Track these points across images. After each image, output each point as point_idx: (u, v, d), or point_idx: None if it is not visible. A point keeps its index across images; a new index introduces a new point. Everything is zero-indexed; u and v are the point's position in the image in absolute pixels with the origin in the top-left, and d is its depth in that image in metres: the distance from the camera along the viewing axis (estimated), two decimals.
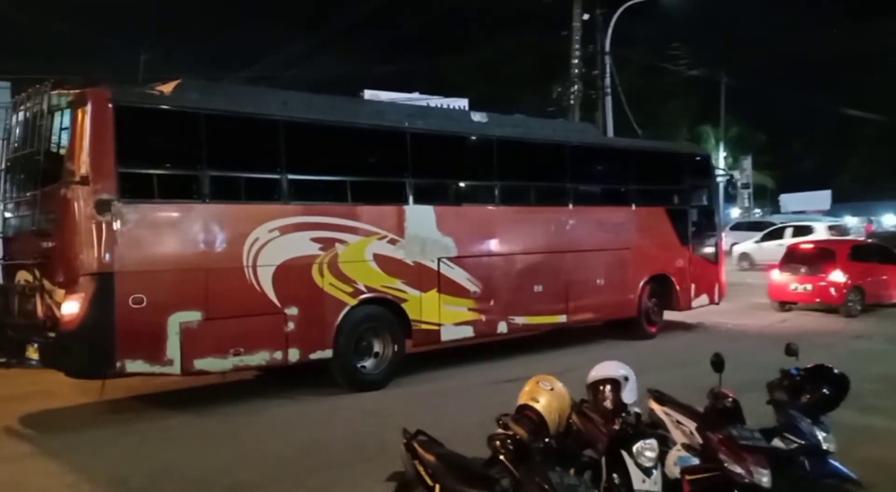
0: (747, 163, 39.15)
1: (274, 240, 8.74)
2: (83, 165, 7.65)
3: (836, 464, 4.59)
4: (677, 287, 13.28)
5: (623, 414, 4.46)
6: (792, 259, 16.42)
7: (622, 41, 24.73)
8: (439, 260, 10.23)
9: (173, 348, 7.97)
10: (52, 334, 7.76)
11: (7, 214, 9.11)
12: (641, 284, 12.80)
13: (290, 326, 8.79)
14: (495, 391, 8.68)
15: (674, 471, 4.50)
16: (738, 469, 4.25)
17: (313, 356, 9.05)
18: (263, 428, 7.92)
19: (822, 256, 15.92)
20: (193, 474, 6.47)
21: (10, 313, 8.54)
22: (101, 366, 7.76)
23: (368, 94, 20.24)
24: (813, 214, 35.21)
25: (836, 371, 4.84)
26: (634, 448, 4.19)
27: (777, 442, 4.58)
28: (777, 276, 16.22)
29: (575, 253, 11.83)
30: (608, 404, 4.57)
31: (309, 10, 53.22)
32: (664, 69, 34.02)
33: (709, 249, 14.09)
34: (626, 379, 4.62)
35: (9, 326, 8.51)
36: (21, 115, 8.67)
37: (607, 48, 22.87)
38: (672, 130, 37.34)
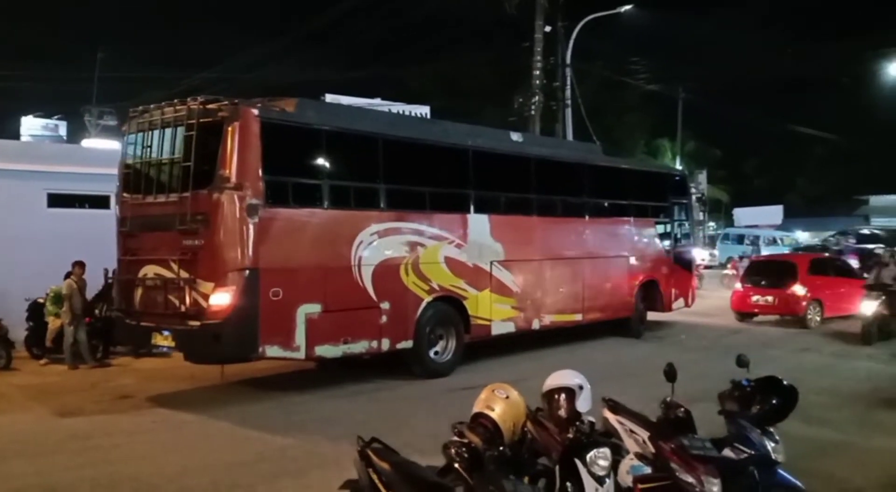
0: (703, 177, 39.87)
1: (374, 242, 9.93)
2: (235, 173, 8.61)
3: (785, 474, 4.65)
4: (662, 291, 14.89)
5: (577, 423, 4.47)
6: (754, 272, 16.98)
7: (583, 54, 25.04)
8: (491, 263, 11.53)
9: (300, 336, 9.01)
10: (195, 323, 8.63)
11: (129, 214, 9.76)
12: (637, 287, 14.33)
13: (384, 318, 9.93)
14: (452, 399, 8.68)
15: (626, 480, 4.53)
16: (689, 478, 4.29)
17: (399, 346, 10.16)
18: (220, 433, 7.79)
19: (783, 270, 16.48)
20: (146, 480, 6.35)
21: (132, 305, 9.50)
22: (248, 351, 8.78)
23: (329, 98, 20.12)
24: (765, 228, 35.98)
25: (785, 383, 4.92)
26: (588, 457, 4.20)
27: (727, 452, 4.63)
28: (740, 288, 16.77)
29: (590, 259, 13.33)
30: (562, 412, 4.58)
31: (273, 14, 52.81)
32: (624, 83, 34.49)
33: (686, 259, 15.91)
34: (581, 388, 4.64)
35: (132, 317, 9.50)
36: (151, 126, 9.46)
37: (568, 60, 23.10)
38: (630, 143, 37.92)
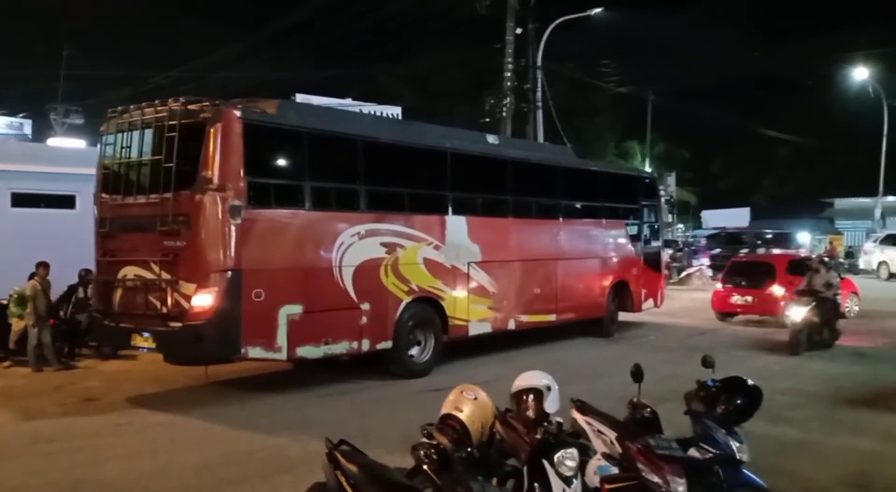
0: (671, 179, 40.30)
1: (354, 244, 9.97)
2: (218, 174, 8.60)
3: (749, 473, 4.72)
4: (633, 292, 15.21)
5: (545, 423, 4.49)
6: (734, 272, 17.24)
7: (554, 56, 25.18)
8: (469, 264, 11.66)
9: (282, 337, 9.05)
10: (177, 324, 8.63)
11: (107, 214, 9.61)
12: (609, 288, 14.65)
13: (364, 319, 10.03)
14: (422, 400, 8.68)
15: (594, 480, 4.57)
16: (655, 478, 4.34)
17: (378, 347, 10.27)
18: (187, 436, 7.71)
19: (762, 271, 16.77)
20: (110, 484, 6.26)
21: (111, 306, 9.48)
22: (230, 352, 8.82)
23: (300, 98, 20.03)
24: (732, 230, 36.44)
25: (749, 383, 4.99)
26: (555, 457, 4.23)
27: (693, 452, 4.68)
28: (720, 288, 17.07)
29: (563, 260, 13.52)
30: (531, 413, 4.60)
31: (243, 13, 52.36)
32: (594, 85, 34.78)
33: (655, 260, 16.21)
34: (549, 389, 4.66)
35: (110, 318, 9.49)
36: (131, 126, 9.39)
37: (539, 62, 23.23)
38: (600, 145, 38.20)
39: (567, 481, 4.23)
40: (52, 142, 24.91)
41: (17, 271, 11.76)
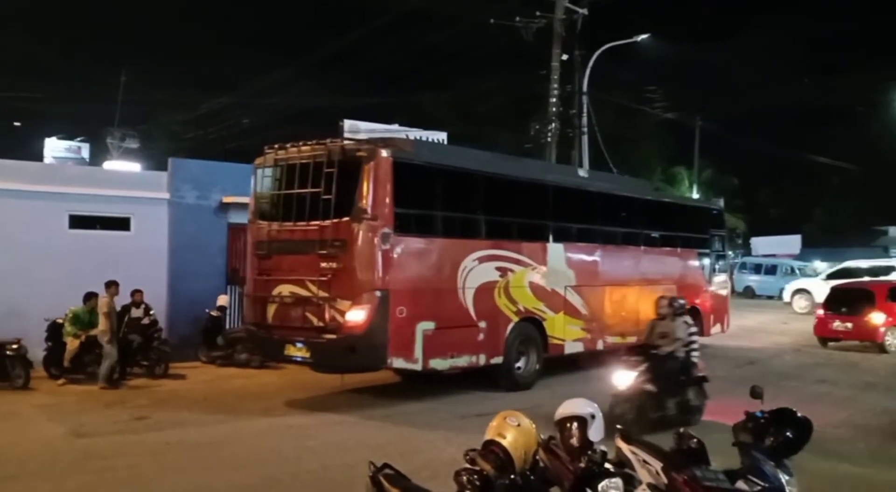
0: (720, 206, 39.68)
1: (475, 268, 11.02)
2: (371, 205, 9.75)
3: None
4: (703, 317, 15.69)
5: (589, 452, 4.47)
6: (835, 299, 17.61)
7: (600, 82, 25.16)
8: (565, 288, 12.62)
9: (419, 350, 10.10)
10: (331, 336, 9.73)
11: (264, 238, 10.77)
12: None
13: (481, 336, 11.01)
14: (466, 425, 8.68)
15: None
16: None
17: (492, 361, 11.19)
18: (233, 456, 7.83)
19: (862, 297, 17.01)
20: None
21: (265, 319, 10.60)
22: (379, 361, 9.95)
23: (348, 124, 20.34)
24: (783, 257, 35.70)
25: (799, 415, 4.90)
26: (600, 487, 4.20)
27: (741, 484, 4.61)
28: (821, 314, 17.58)
29: (644, 285, 14.22)
30: (574, 441, 4.59)
31: (291, 40, 53.57)
32: (640, 111, 34.57)
33: (723, 287, 17.08)
34: (593, 417, 4.65)
35: (264, 330, 10.64)
36: (288, 161, 10.61)
37: (585, 88, 23.24)
38: (647, 172, 37.87)
39: None
40: (108, 165, 25.75)
41: (73, 291, 12.14)
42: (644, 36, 24.07)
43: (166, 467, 7.49)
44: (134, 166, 24.74)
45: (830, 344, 17.31)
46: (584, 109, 23.19)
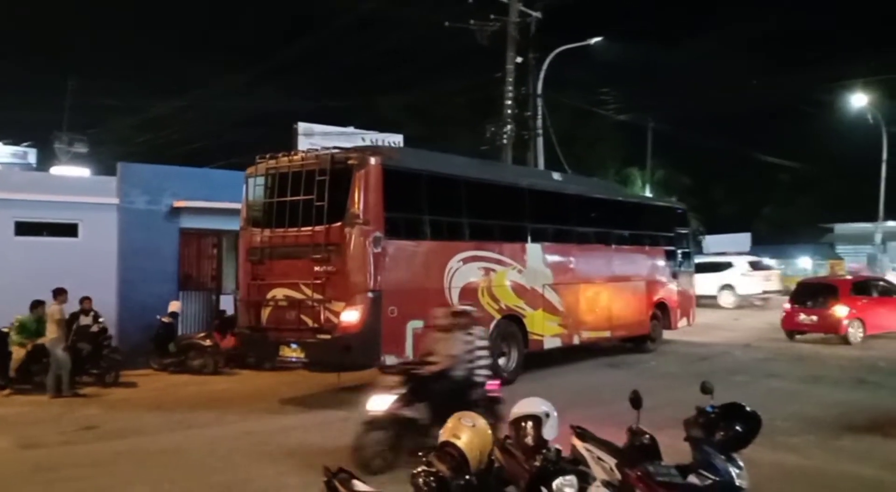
0: None
1: (460, 268, 11.52)
2: (363, 210, 10.19)
3: None
4: (671, 311, 16.70)
5: (544, 450, 4.51)
6: (801, 293, 18.45)
7: (555, 84, 25.36)
8: (543, 286, 13.16)
9: (409, 347, 10.45)
10: (326, 336, 10.09)
11: (257, 245, 11.09)
12: (652, 307, 16.14)
13: None
14: None
15: None
16: None
17: None
18: (185, 464, 7.69)
19: (826, 291, 17.92)
20: None
21: (259, 322, 10.94)
22: (372, 359, 10.30)
23: (302, 127, 20.19)
24: (734, 255, 36.46)
25: (748, 409, 4.99)
26: (554, 485, 4.24)
27: (692, 478, 4.67)
28: (788, 308, 18.24)
29: (616, 283, 15.04)
30: (529, 440, 4.62)
31: (247, 43, 52.94)
32: (594, 112, 34.97)
33: (688, 283, 17.81)
34: (548, 416, 4.68)
35: (259, 332, 10.97)
36: (279, 170, 11.03)
37: (539, 91, 23.40)
38: (601, 172, 38.34)
39: None
40: (56, 170, 25.12)
41: (19, 300, 11.83)
42: (597, 39, 24.31)
43: (117, 477, 7.33)
44: (83, 171, 24.20)
45: (797, 337, 18.01)
46: (539, 111, 23.34)
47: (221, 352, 13.58)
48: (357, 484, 4.58)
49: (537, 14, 21.79)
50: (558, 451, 4.65)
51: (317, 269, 10.28)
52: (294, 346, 10.50)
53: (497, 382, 7.94)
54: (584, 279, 14.23)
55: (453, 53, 26.25)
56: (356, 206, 10.21)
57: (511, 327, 12.41)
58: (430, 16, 23.54)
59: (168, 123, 33.52)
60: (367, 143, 20.70)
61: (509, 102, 21.78)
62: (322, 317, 10.23)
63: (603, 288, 14.69)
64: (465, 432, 4.38)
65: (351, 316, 10.07)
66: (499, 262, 12.32)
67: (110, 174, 15.59)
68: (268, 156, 11.29)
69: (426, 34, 28.37)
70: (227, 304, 14.97)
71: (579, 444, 5.09)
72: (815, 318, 17.60)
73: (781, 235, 42.38)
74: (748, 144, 41.77)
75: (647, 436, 4.82)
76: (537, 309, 13.01)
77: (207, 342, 13.52)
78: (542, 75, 23.37)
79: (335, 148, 10.96)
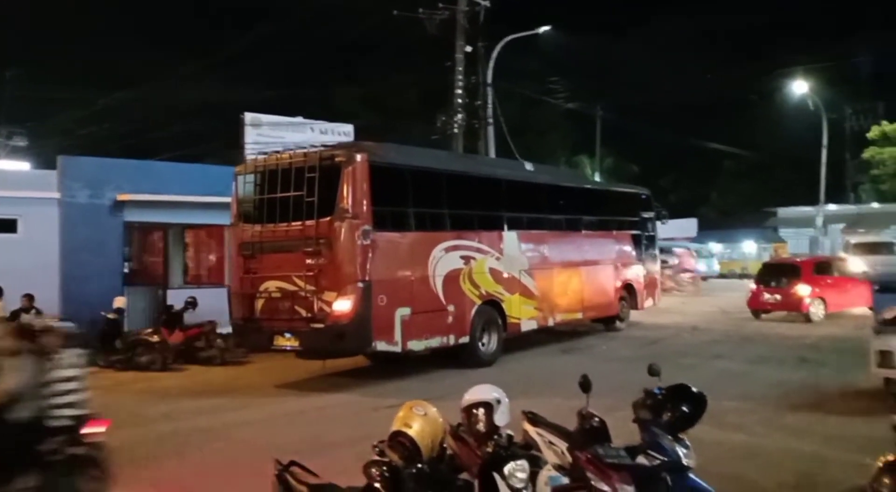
0: None
1: (443, 257, 12.05)
2: (352, 205, 10.67)
3: (696, 479, 4.78)
4: (637, 293, 17.50)
5: (496, 436, 4.53)
6: (765, 273, 19.34)
7: (505, 74, 25.43)
8: (519, 271, 13.80)
9: (398, 333, 11.09)
10: (320, 325, 10.58)
11: (248, 239, 11.53)
12: (620, 289, 16.93)
13: (450, 319, 12.06)
14: (376, 418, 8.60)
15: (545, 491, 4.60)
16: (605, 487, 4.38)
17: (460, 341, 12.24)
18: (132, 462, 7.54)
19: (789, 271, 18.72)
20: None
21: (253, 313, 11.38)
22: (364, 345, 10.96)
23: (249, 117, 19.88)
24: (681, 240, 37.19)
25: (694, 390, 5.07)
26: (506, 470, 4.26)
27: (641, 459, 4.73)
28: (754, 288, 19.00)
29: (586, 266, 15.79)
30: (481, 427, 4.64)
31: (192, 34, 51.88)
32: (544, 102, 35.22)
33: (653, 265, 18.63)
34: (499, 402, 4.70)
35: (253, 323, 11.42)
36: (267, 167, 11.44)
37: (489, 80, 23.44)
38: (551, 160, 38.66)
39: None
40: None
41: None
42: (545, 28, 24.46)
43: None
44: (22, 165, 23.44)
45: (763, 316, 18.77)
46: (490, 101, 23.40)
47: (170, 348, 13.36)
48: (309, 476, 4.56)
49: (486, 3, 21.78)
50: (510, 436, 4.68)
51: (308, 261, 10.73)
52: (288, 335, 10.94)
53: (104, 421, 5.52)
54: (557, 264, 14.87)
55: (403, 43, 26.18)
56: (345, 200, 10.66)
57: (491, 312, 12.94)
58: (380, 4, 23.36)
59: (112, 114, 32.75)
60: (317, 133, 20.54)
61: (459, 92, 21.80)
62: (315, 307, 10.68)
63: (575, 272, 15.38)
64: (417, 421, 4.38)
65: (343, 305, 10.54)
66: (478, 250, 12.86)
67: (51, 168, 15.14)
68: (257, 153, 11.91)
69: (376, 24, 28.16)
70: (174, 298, 14.69)
71: (531, 429, 5.12)
72: (778, 297, 18.37)
73: (727, 220, 43.37)
74: (694, 133, 42.62)
75: (597, 419, 4.86)
76: (514, 294, 13.57)
77: (155, 338, 13.27)
78: (491, 64, 23.41)
79: (322, 146, 11.40)
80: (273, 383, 11.66)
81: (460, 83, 21.79)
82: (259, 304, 11.33)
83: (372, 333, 10.76)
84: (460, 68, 21.73)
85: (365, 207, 10.75)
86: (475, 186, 13.36)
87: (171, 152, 24.67)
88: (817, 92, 36.11)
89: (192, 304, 14.13)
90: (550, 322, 14.68)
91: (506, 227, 13.66)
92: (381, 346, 10.95)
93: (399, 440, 4.34)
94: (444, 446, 4.61)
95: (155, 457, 7.75)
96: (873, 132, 39.51)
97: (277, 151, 11.58)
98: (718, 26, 55.62)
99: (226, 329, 14.13)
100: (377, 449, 4.44)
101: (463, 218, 12.72)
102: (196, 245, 17.18)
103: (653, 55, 48.38)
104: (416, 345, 11.50)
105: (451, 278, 12.15)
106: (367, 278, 10.68)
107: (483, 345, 12.72)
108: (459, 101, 21.86)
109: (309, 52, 41.28)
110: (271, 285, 11.17)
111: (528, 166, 16.38)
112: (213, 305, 14.47)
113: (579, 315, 15.69)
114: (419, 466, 4.21)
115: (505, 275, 13.41)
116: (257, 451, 7.54)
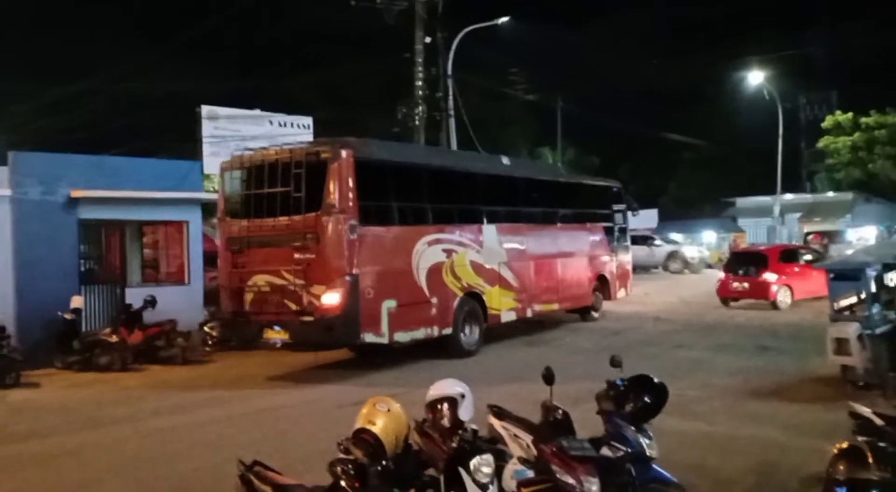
0: None
1: (426, 251, 12.32)
2: (338, 200, 10.88)
3: (659, 469, 4.84)
4: (609, 283, 17.84)
5: (460, 431, 4.52)
6: (734, 262, 19.91)
7: (466, 65, 25.39)
8: (499, 264, 14.06)
9: (385, 325, 11.35)
10: (309, 318, 10.84)
11: (235, 234, 11.73)
12: (594, 280, 17.26)
13: (434, 311, 12.34)
14: (341, 415, 8.54)
15: (510, 484, 4.60)
16: (569, 479, 4.41)
17: (443, 333, 12.52)
18: (92, 465, 7.38)
19: (757, 260, 19.22)
20: None
21: (242, 307, 11.57)
22: (353, 337, 11.19)
23: (206, 110, 19.59)
24: (643, 231, 37.63)
25: (656, 381, 5.13)
26: (471, 464, 4.26)
27: (605, 450, 4.77)
28: (722, 276, 19.54)
29: (562, 259, 16.08)
30: (446, 421, 4.63)
31: (146, 24, 50.81)
32: (506, 94, 35.29)
33: (625, 256, 19.02)
34: (463, 396, 4.70)
35: (243, 317, 11.61)
36: (253, 164, 11.69)
37: (449, 71, 23.37)
38: (513, 152, 38.77)
39: (483, 487, 4.27)
40: None
41: None
42: (504, 19, 24.45)
43: (21, 481, 6.98)
44: None
45: (732, 304, 19.17)
46: (450, 92, 23.33)
47: (129, 348, 13.09)
48: (273, 476, 4.50)
49: None
50: (475, 431, 4.67)
51: (297, 255, 10.96)
52: (277, 328, 11.18)
53: None
54: (534, 256, 15.14)
55: (363, 33, 25.96)
56: (332, 196, 10.86)
57: (472, 303, 13.23)
58: None
59: (64, 107, 31.94)
60: (275, 125, 20.35)
61: (420, 84, 21.65)
62: (304, 300, 10.91)
63: (551, 264, 15.72)
64: (380, 417, 4.35)
65: (332, 298, 10.78)
66: (459, 243, 13.13)
67: (1, 164, 14.69)
68: (244, 149, 12.20)
69: (334, 14, 27.93)
70: (133, 297, 14.41)
71: (496, 422, 5.12)
72: (746, 285, 18.89)
73: (687, 211, 43.89)
74: (653, 123, 43.07)
75: (561, 411, 4.89)
76: (494, 286, 13.86)
77: (114, 338, 12.99)
78: (451, 56, 23.30)
79: (309, 142, 11.53)
80: (235, 382, 11.52)
81: (420, 75, 21.65)
82: (248, 297, 11.52)
83: (360, 326, 11.00)
84: (420, 60, 21.58)
85: (351, 202, 10.97)
86: (456, 181, 13.64)
87: (124, 146, 24.15)
88: (772, 82, 36.75)
89: (151, 302, 13.85)
90: (529, 313, 14.98)
91: (485, 220, 13.91)
92: (368, 338, 11.19)
93: (363, 437, 4.31)
94: (410, 441, 4.59)
95: (115, 459, 7.60)
96: (827, 122, 40.36)
97: (265, 148, 11.93)
98: (676, 17, 56.30)
99: (187, 328, 13.94)
100: (342, 447, 4.40)
101: (444, 212, 12.98)
102: (154, 242, 16.86)
103: (612, 46, 48.80)
104: (402, 336, 11.75)
105: (435, 271, 12.39)
106: (354, 272, 10.90)
107: (465, 336, 13.00)
108: (420, 92, 21.73)
109: (265, 42, 40.65)
110: (260, 279, 11.39)
111: (505, 160, 16.73)
112: (172, 304, 14.22)
113: (556, 306, 16.03)
114: (384, 462, 4.18)
115: (485, 267, 13.68)
116: (220, 451, 7.46)
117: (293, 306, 11.03)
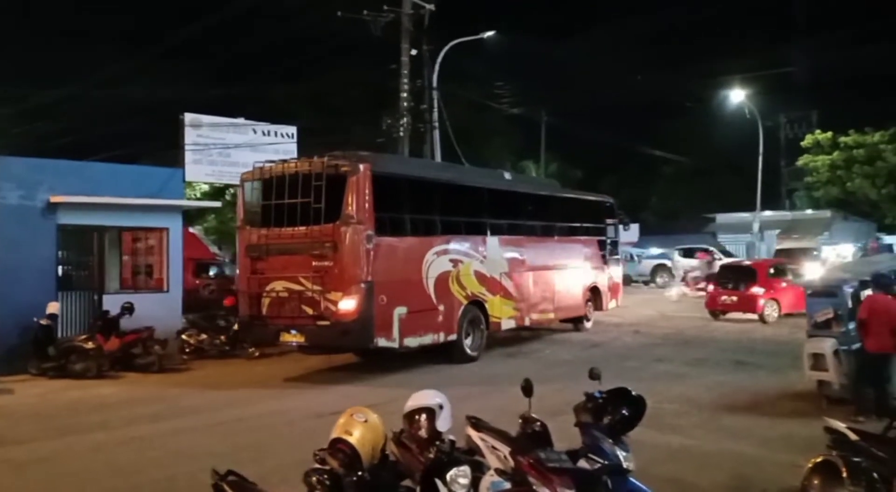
0: None
1: (435, 260, 12.92)
2: (356, 211, 11.47)
3: (636, 482, 4.83)
4: (602, 294, 18.39)
5: (438, 442, 4.50)
6: (723, 276, 20.15)
7: (451, 77, 25.46)
8: (501, 274, 14.66)
9: (396, 331, 11.93)
10: (325, 322, 11.42)
11: (255, 242, 12.27)
12: (587, 291, 17.78)
13: (441, 318, 12.92)
14: (317, 425, 8.49)
15: None
16: (546, 491, 4.40)
17: (448, 339, 13.08)
18: (70, 473, 7.27)
19: (746, 274, 19.43)
20: None
21: (260, 311, 12.15)
22: (367, 342, 11.73)
23: (189, 118, 19.48)
24: (624, 245, 37.79)
25: (634, 393, 5.13)
26: (448, 476, 4.24)
27: (582, 463, 4.76)
28: (711, 289, 19.92)
29: (558, 270, 16.66)
30: (423, 432, 4.62)
31: (130, 30, 50.62)
32: (490, 106, 35.37)
33: (616, 268, 19.60)
34: (441, 407, 4.69)
35: (261, 320, 12.21)
36: (273, 175, 12.23)
37: (434, 83, 23.45)
38: (497, 164, 38.86)
39: None
40: None
41: None
42: (490, 33, 24.58)
43: None
44: None
45: (721, 317, 19.45)
46: (435, 104, 23.40)
47: (105, 355, 12.94)
48: (248, 486, 4.46)
49: (430, 6, 21.74)
50: (452, 442, 4.66)
51: (315, 263, 11.49)
52: (294, 331, 11.75)
53: None
54: (533, 267, 15.71)
55: (353, 44, 25.96)
56: (350, 207, 11.45)
57: (475, 311, 13.80)
58: (325, 5, 23.12)
59: (44, 113, 31.71)
60: (259, 134, 20.31)
61: (405, 95, 21.71)
62: (321, 305, 11.44)
63: (549, 275, 16.26)
64: (357, 428, 4.32)
65: (348, 304, 11.33)
66: (465, 254, 13.73)
67: None
68: (264, 161, 12.68)
69: (320, 25, 27.93)
70: (110, 304, 14.26)
71: (474, 434, 5.11)
72: (735, 298, 19.11)
73: (667, 225, 44.11)
74: (635, 138, 43.35)
75: (539, 423, 4.89)
76: (496, 295, 14.45)
77: (90, 345, 12.83)
78: (436, 68, 23.41)
79: (329, 156, 11.97)
80: (212, 391, 11.43)
81: (406, 86, 21.71)
82: (266, 302, 12.07)
83: (374, 331, 11.53)
84: (405, 71, 21.64)
85: (368, 214, 11.51)
86: (463, 195, 14.20)
87: (106, 152, 23.97)
88: (754, 100, 37.14)
89: (128, 309, 13.72)
90: (527, 321, 15.57)
91: (489, 232, 14.49)
92: (381, 342, 11.72)
93: (339, 448, 4.28)
94: (387, 452, 4.57)
95: (88, 467, 7.50)
96: (807, 140, 40.77)
97: (284, 160, 12.70)
98: (659, 33, 56.83)
99: (164, 335, 13.81)
100: (318, 457, 4.37)
101: (452, 224, 13.61)
102: (133, 249, 16.70)
103: (595, 61, 49.09)
104: (411, 341, 12.27)
105: (442, 280, 12.97)
106: (369, 279, 11.47)
107: (468, 342, 13.51)
108: (405, 104, 21.78)
109: (251, 51, 40.55)
110: (278, 285, 11.93)
111: (507, 175, 17.53)
112: (150, 311, 14.09)
113: (552, 315, 16.57)
114: (360, 473, 4.16)
115: (488, 277, 14.24)
116: (195, 460, 7.38)
117: (310, 311, 11.55)
